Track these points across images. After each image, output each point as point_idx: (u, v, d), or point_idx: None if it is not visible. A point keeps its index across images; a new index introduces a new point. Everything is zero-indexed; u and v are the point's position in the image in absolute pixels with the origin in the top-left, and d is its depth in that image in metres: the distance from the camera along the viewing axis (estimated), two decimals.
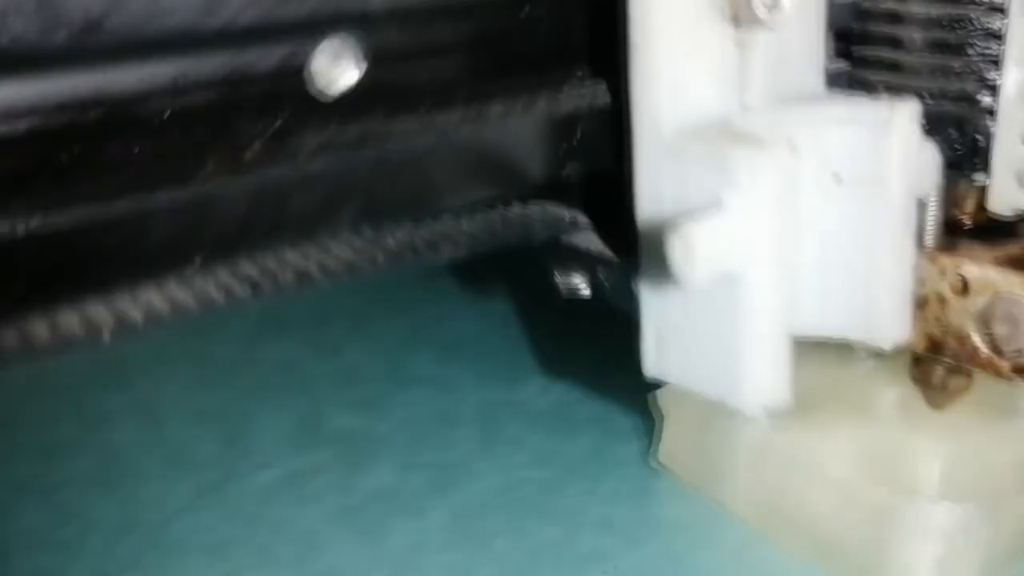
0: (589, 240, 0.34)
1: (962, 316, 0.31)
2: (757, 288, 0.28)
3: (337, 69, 0.25)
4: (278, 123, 0.25)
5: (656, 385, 0.39)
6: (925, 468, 0.35)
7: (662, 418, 0.40)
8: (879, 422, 0.36)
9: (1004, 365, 0.31)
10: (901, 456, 0.35)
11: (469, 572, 0.36)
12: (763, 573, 0.35)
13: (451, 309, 0.56)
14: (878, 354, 0.41)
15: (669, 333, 0.30)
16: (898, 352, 0.40)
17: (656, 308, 0.30)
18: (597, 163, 0.31)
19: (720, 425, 0.37)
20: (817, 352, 0.41)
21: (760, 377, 0.29)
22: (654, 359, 0.31)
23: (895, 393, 0.38)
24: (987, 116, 0.31)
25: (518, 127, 0.30)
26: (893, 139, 0.28)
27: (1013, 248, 0.32)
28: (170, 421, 0.47)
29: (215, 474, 0.42)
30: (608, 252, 0.34)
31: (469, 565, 0.36)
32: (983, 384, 0.38)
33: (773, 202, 0.27)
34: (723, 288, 0.28)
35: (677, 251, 0.26)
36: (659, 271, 0.28)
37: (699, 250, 0.26)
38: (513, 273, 0.55)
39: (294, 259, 0.27)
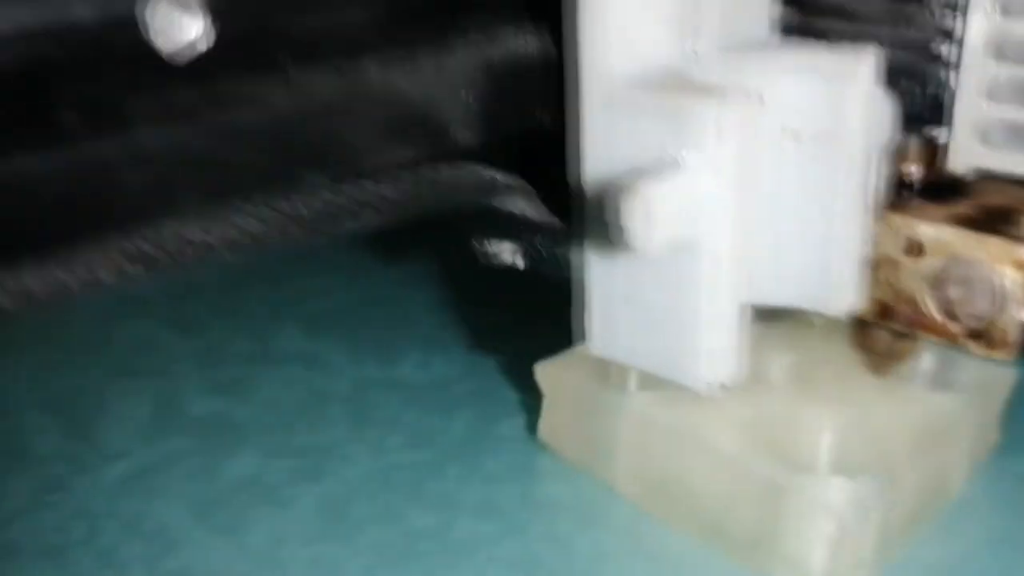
0: (525, 205, 0.31)
1: (913, 279, 0.29)
2: (717, 256, 0.25)
3: (181, 22, 0.22)
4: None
5: (539, 358, 0.37)
6: (816, 440, 0.33)
7: (544, 394, 0.38)
8: (768, 393, 0.35)
9: (956, 330, 0.29)
10: (791, 428, 0.33)
11: (337, 566, 0.33)
12: (650, 555, 0.33)
13: (321, 281, 0.52)
14: (766, 319, 0.40)
15: (617, 306, 0.28)
16: (784, 318, 0.39)
17: (603, 279, 0.28)
18: (534, 120, 0.29)
19: (603, 400, 0.35)
20: None
21: (716, 353, 0.27)
22: (599, 336, 0.29)
23: (785, 361, 0.36)
24: (946, 68, 0.29)
25: (441, 80, 0.27)
26: (855, 91, 0.26)
27: (967, 207, 0.30)
28: (11, 410, 0.43)
29: (59, 469, 0.39)
30: (547, 218, 0.31)
31: (337, 558, 0.33)
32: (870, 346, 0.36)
33: (733, 159, 0.25)
34: (679, 256, 0.25)
35: (635, 215, 0.23)
36: (608, 238, 0.25)
37: (658, 214, 0.23)
38: (389, 241, 0.52)
39: (195, 234, 0.24)
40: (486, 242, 0.31)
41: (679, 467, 0.34)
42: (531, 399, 0.39)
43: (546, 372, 0.37)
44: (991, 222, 0.29)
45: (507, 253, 0.31)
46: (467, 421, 0.40)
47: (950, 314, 0.29)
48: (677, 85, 0.26)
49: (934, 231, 0.29)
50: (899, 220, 0.29)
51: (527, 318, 0.30)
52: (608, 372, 0.36)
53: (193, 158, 0.24)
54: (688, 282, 0.26)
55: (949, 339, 0.29)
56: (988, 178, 0.30)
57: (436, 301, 0.49)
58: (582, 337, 0.29)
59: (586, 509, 0.35)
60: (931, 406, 0.34)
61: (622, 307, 0.28)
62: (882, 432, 0.33)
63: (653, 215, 0.23)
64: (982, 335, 0.28)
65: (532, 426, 0.39)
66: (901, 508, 0.32)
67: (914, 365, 0.37)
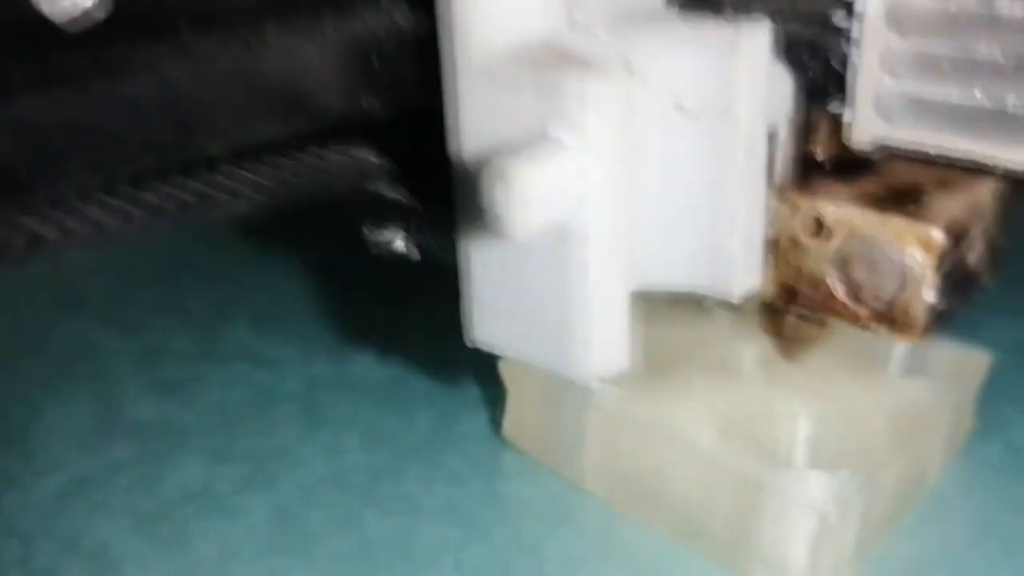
0: (402, 189, 0.29)
1: (817, 260, 0.28)
2: (592, 239, 0.24)
3: None
4: None
5: None
6: (793, 432, 0.32)
7: (507, 389, 0.36)
8: (740, 383, 0.33)
9: (863, 312, 0.28)
10: (766, 420, 0.32)
11: None
12: (622, 556, 0.32)
13: (269, 274, 0.50)
14: (735, 307, 0.38)
15: (494, 294, 0.26)
16: (756, 303, 0.38)
17: (480, 266, 0.26)
18: (405, 96, 0.27)
19: (569, 395, 0.34)
20: (668, 308, 0.38)
21: (596, 343, 0.25)
22: (479, 325, 0.27)
23: (755, 350, 0.35)
24: (844, 39, 0.28)
25: (303, 55, 0.24)
26: (742, 64, 0.25)
27: (871, 185, 0.29)
28: None
29: None
30: (423, 202, 0.29)
31: (291, 572, 0.32)
32: (842, 332, 0.35)
33: (611, 137, 0.23)
34: (552, 240, 0.23)
35: (497, 196, 0.21)
36: (480, 222, 0.23)
37: (523, 194, 0.21)
38: (339, 230, 0.50)
39: (24, 222, 0.21)
40: (374, 231, 0.29)
41: (651, 463, 0.32)
42: (494, 394, 0.37)
43: (509, 366, 0.36)
44: (897, 200, 0.28)
45: (397, 242, 0.29)
46: (427, 419, 0.39)
47: (856, 296, 0.28)
48: (550, 57, 0.24)
49: (838, 210, 0.27)
50: (802, 200, 0.28)
51: None
52: None
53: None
54: (566, 268, 0.24)
55: (855, 322, 0.28)
56: (895, 155, 0.29)
57: (390, 294, 0.47)
58: (467, 329, 0.27)
59: (554, 509, 0.34)
60: (907, 394, 0.33)
61: (501, 296, 0.26)
62: (859, 422, 0.32)
63: (522, 198, 0.21)
64: (889, 318, 0.27)
65: (496, 423, 0.37)
66: (881, 501, 0.31)
67: (887, 350, 0.36)
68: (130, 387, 0.42)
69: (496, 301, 0.26)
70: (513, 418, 0.36)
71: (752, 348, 0.35)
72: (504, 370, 0.36)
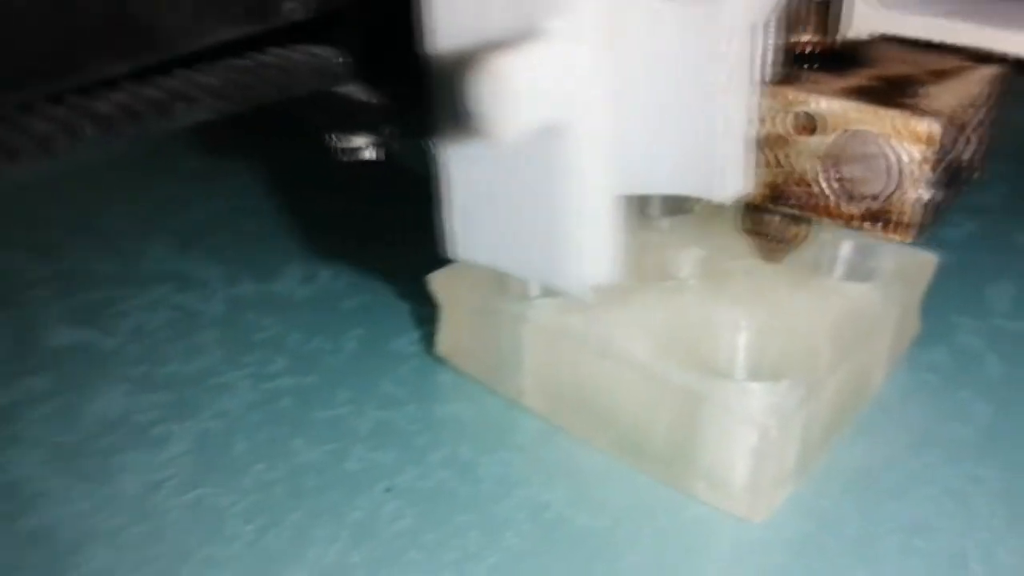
0: (372, 90, 0.27)
1: (807, 158, 0.27)
2: (586, 140, 0.22)
3: None
4: None
5: (434, 267, 0.34)
6: (733, 343, 0.31)
7: (439, 306, 0.35)
8: (679, 293, 0.32)
9: (854, 211, 0.27)
10: (706, 331, 0.31)
11: (218, 512, 0.30)
12: (561, 474, 0.31)
13: (190, 189, 0.47)
14: (674, 212, 0.37)
15: (477, 204, 0.24)
16: (692, 210, 0.37)
17: (460, 173, 0.24)
18: None
19: (504, 309, 0.32)
20: None
21: (587, 251, 0.23)
22: (461, 238, 0.25)
23: (693, 256, 0.34)
24: None
25: None
26: None
27: (862, 78, 0.27)
28: None
29: None
30: (394, 103, 0.27)
31: (218, 503, 0.30)
32: None
33: (602, 26, 0.21)
34: (543, 142, 0.22)
35: (485, 95, 0.19)
36: (461, 124, 0.21)
37: (514, 91, 0.19)
38: (260, 141, 0.48)
39: None
40: (337, 136, 0.27)
41: (589, 378, 0.31)
42: (427, 310, 0.36)
43: (440, 282, 0.34)
44: (889, 93, 0.26)
45: (363, 147, 0.27)
46: (357, 339, 0.37)
47: (846, 194, 0.27)
48: None
49: (827, 104, 0.26)
50: (790, 93, 0.27)
51: (417, 221, 0.27)
52: (508, 279, 0.33)
53: None
54: (556, 172, 0.22)
55: (845, 221, 0.27)
56: (888, 45, 0.27)
57: (313, 208, 0.45)
58: (443, 242, 0.25)
59: (491, 429, 0.33)
60: (851, 298, 0.32)
61: (483, 204, 0.24)
62: (801, 329, 0.31)
63: (509, 95, 0.19)
64: (880, 216, 0.26)
65: (429, 340, 0.36)
66: (823, 411, 0.30)
67: (830, 254, 0.35)
68: (46, 313, 0.40)
69: (478, 211, 0.24)
70: (447, 335, 0.35)
71: (691, 255, 0.34)
72: (435, 285, 0.34)
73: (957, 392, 0.34)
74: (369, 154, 0.28)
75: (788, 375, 0.28)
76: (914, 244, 0.34)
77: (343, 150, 0.28)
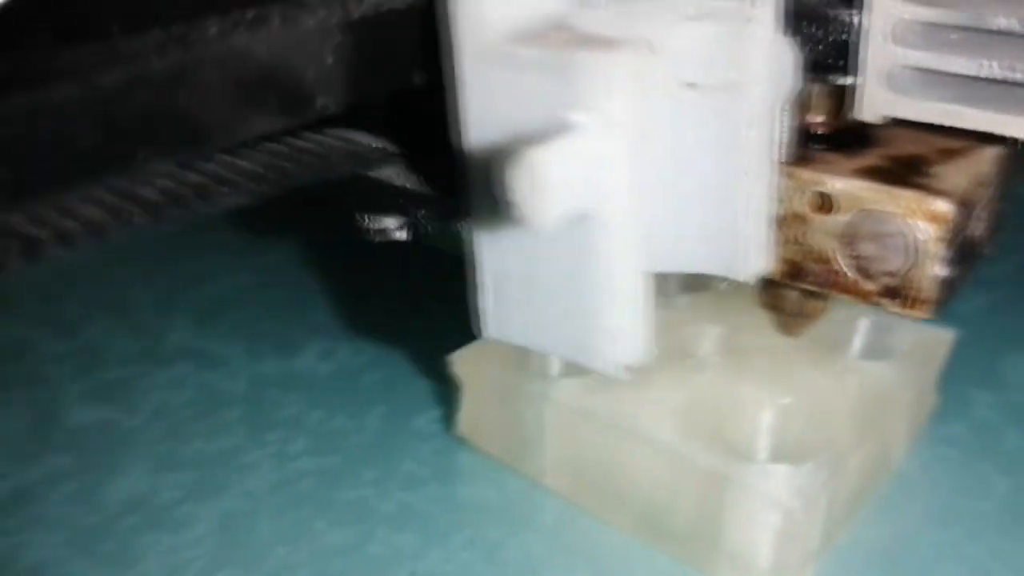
0: (403, 174, 0.28)
1: (824, 236, 0.27)
2: (615, 225, 0.22)
3: None
4: None
5: (454, 345, 0.34)
6: (756, 422, 0.31)
7: (461, 385, 0.35)
8: (699, 372, 0.32)
9: (871, 288, 0.27)
10: (728, 410, 0.31)
11: None
12: (585, 555, 0.31)
13: (212, 265, 0.48)
14: (693, 289, 0.37)
15: (509, 285, 0.25)
16: (709, 287, 0.37)
17: (493, 255, 0.25)
18: (406, 78, 0.25)
19: (526, 389, 0.32)
20: None
21: (621, 331, 0.24)
22: (493, 318, 0.25)
23: (713, 334, 0.34)
24: (852, 11, 0.27)
25: (298, 37, 0.23)
26: (755, 38, 0.24)
27: (874, 158, 0.28)
28: None
29: None
30: (427, 188, 0.28)
31: None
32: None
33: (631, 118, 0.22)
34: (573, 227, 0.22)
35: (523, 185, 0.20)
36: (496, 211, 0.22)
37: (551, 183, 0.20)
38: (284, 219, 0.48)
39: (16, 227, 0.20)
40: (369, 217, 0.28)
41: (611, 458, 0.31)
42: (447, 389, 0.36)
43: (462, 361, 0.34)
44: (901, 173, 0.27)
45: (393, 228, 0.28)
46: (379, 418, 0.37)
47: (863, 272, 0.27)
48: (562, 37, 0.23)
49: (843, 185, 0.27)
50: (806, 174, 0.27)
51: (438, 299, 0.27)
52: (530, 358, 0.33)
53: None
54: (585, 255, 0.23)
55: (863, 298, 0.27)
56: (896, 125, 0.28)
57: (335, 283, 0.45)
58: (476, 321, 0.26)
59: (514, 509, 0.33)
60: (870, 376, 0.32)
61: (516, 285, 0.25)
62: (822, 409, 0.31)
63: (544, 185, 0.20)
64: (897, 293, 0.27)
65: (450, 419, 0.36)
66: (846, 490, 0.30)
67: (847, 332, 0.35)
68: (67, 391, 0.40)
69: (511, 292, 0.25)
70: (468, 415, 0.35)
71: (711, 332, 0.34)
72: (457, 364, 0.35)
73: (976, 466, 0.34)
74: (399, 235, 0.29)
75: (811, 456, 0.28)
76: (929, 319, 0.35)
77: (374, 231, 0.28)
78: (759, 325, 0.34)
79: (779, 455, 0.30)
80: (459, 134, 0.24)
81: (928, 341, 0.34)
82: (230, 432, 0.37)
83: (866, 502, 0.32)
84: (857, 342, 0.34)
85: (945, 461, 0.35)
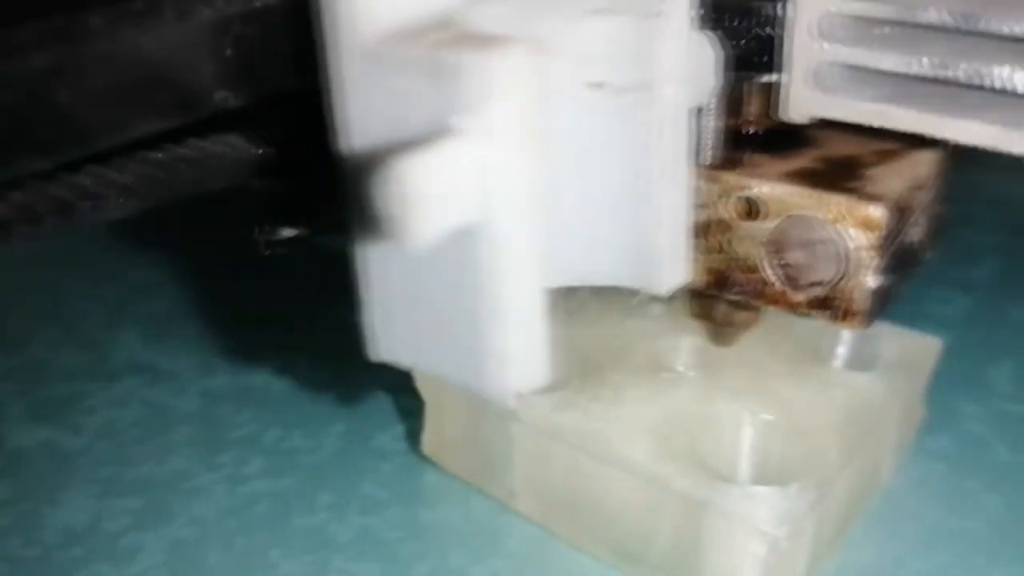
0: (291, 183, 0.26)
1: (750, 244, 0.26)
2: (502, 241, 0.20)
3: None
4: None
5: None
6: (736, 440, 0.29)
7: (425, 401, 0.33)
8: (676, 387, 0.31)
9: (799, 299, 0.26)
10: (705, 427, 0.29)
11: None
12: None
13: (163, 276, 0.46)
14: (665, 299, 0.36)
15: (396, 304, 0.23)
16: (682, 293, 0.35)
17: (378, 271, 0.23)
18: (291, 83, 0.23)
19: (491, 406, 0.31)
20: (595, 304, 0.35)
21: (512, 354, 0.22)
22: (382, 338, 0.23)
23: (690, 346, 0.33)
24: (776, 5, 0.25)
25: (174, 39, 0.21)
26: (666, 34, 0.22)
27: (807, 160, 0.27)
28: None
29: None
30: (313, 199, 0.26)
31: None
32: (779, 324, 0.33)
33: (519, 123, 0.20)
34: (458, 242, 0.20)
35: (391, 199, 0.18)
36: (373, 226, 0.20)
37: (423, 195, 0.18)
38: (237, 223, 0.46)
39: None
40: (263, 229, 0.26)
41: (582, 481, 0.29)
42: (412, 404, 0.34)
43: (427, 377, 0.32)
44: (834, 176, 0.25)
45: (288, 240, 0.26)
46: (337, 436, 0.35)
47: (792, 281, 0.26)
48: (446, 35, 0.21)
49: (770, 189, 0.25)
50: (731, 178, 0.26)
51: None
52: None
53: None
54: (472, 272, 0.21)
55: (793, 308, 0.26)
56: (831, 126, 0.26)
57: (293, 292, 0.43)
58: (367, 342, 0.24)
59: (482, 535, 0.31)
60: (856, 388, 0.31)
61: (405, 305, 0.23)
62: (806, 425, 0.29)
63: (415, 198, 0.18)
64: (828, 304, 0.25)
65: (414, 436, 0.34)
66: (834, 512, 0.28)
67: (830, 341, 0.33)
68: (6, 410, 0.38)
69: (399, 311, 0.23)
70: (433, 433, 0.33)
71: (687, 344, 0.32)
72: (421, 380, 0.33)
73: (965, 482, 0.33)
74: (290, 247, 0.27)
75: (796, 477, 0.27)
76: (909, 324, 0.33)
77: (267, 243, 0.26)
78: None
79: (762, 476, 0.28)
80: (339, 141, 0.22)
81: (915, 350, 0.33)
82: (179, 453, 0.35)
83: (854, 522, 0.30)
84: (841, 352, 0.32)
85: (933, 477, 0.33)
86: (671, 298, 0.35)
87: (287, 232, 0.27)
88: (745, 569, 0.26)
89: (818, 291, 0.25)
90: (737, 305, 0.29)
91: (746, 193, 0.26)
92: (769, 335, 0.32)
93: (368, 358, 0.23)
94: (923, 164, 0.27)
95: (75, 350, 0.41)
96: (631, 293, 0.35)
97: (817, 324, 0.32)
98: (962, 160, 0.27)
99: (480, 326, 0.21)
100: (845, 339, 0.32)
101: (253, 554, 0.30)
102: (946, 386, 0.35)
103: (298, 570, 0.30)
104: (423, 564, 0.30)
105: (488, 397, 0.23)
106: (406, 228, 0.18)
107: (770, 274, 0.26)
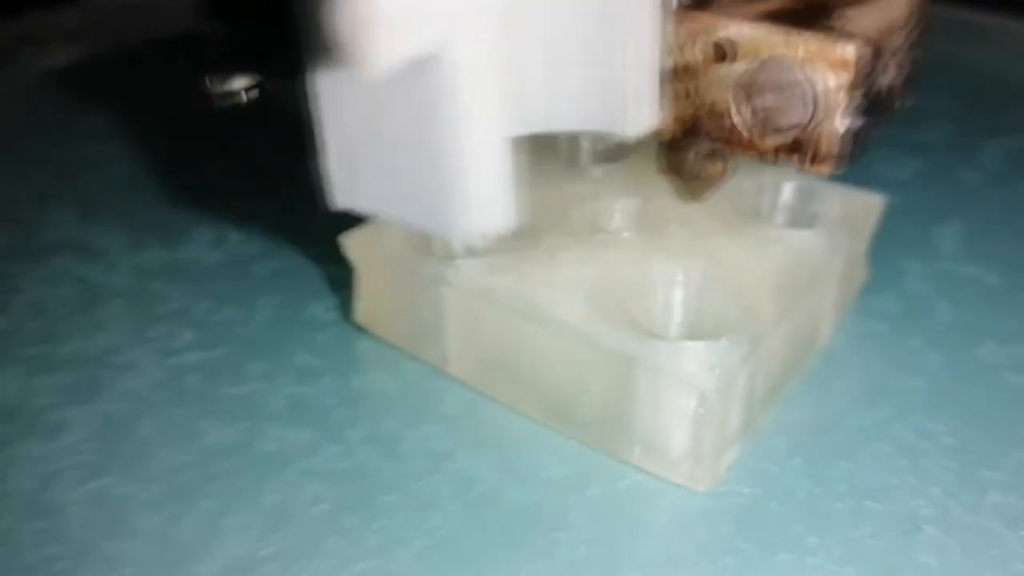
0: (239, 27, 0.24)
1: (720, 88, 0.25)
2: (468, 73, 0.20)
3: None
4: None
5: (349, 226, 0.31)
6: (669, 299, 0.29)
7: (356, 269, 0.32)
8: (611, 247, 0.30)
9: (770, 143, 0.25)
10: (640, 287, 0.29)
11: (122, 502, 0.27)
12: (488, 445, 0.29)
13: (88, 151, 0.44)
14: (608, 159, 0.35)
15: (355, 147, 0.22)
16: (627, 157, 0.34)
17: (335, 113, 0.22)
18: None
19: (425, 272, 0.30)
20: (533, 166, 0.34)
21: (474, 195, 0.21)
22: (341, 184, 0.23)
23: (627, 207, 0.32)
24: None
25: None
26: None
27: (777, 1, 0.25)
28: None
29: None
30: (262, 42, 0.24)
31: (122, 493, 0.28)
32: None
33: None
34: (420, 75, 0.19)
35: (345, 22, 0.17)
36: (329, 58, 0.19)
37: (381, 16, 0.17)
38: (165, 96, 0.44)
39: None
40: (212, 79, 0.25)
41: (516, 343, 0.29)
42: (342, 275, 0.33)
43: (356, 243, 0.32)
44: (807, 17, 0.25)
45: (240, 90, 0.25)
46: (270, 308, 0.34)
47: (761, 126, 0.25)
48: None
49: (739, 30, 0.24)
50: (701, 20, 0.25)
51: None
52: (430, 240, 0.31)
53: None
54: (435, 107, 0.20)
55: (763, 155, 0.25)
56: None
57: (221, 165, 0.42)
58: (325, 190, 0.23)
59: (415, 400, 0.30)
60: (794, 246, 0.30)
61: (363, 148, 0.22)
62: (741, 282, 0.29)
63: (373, 19, 0.17)
64: (798, 148, 0.25)
65: (347, 306, 0.34)
66: (769, 369, 0.28)
67: (770, 199, 0.33)
68: None
69: (357, 155, 0.22)
70: (365, 301, 0.33)
71: (624, 206, 0.32)
72: (351, 246, 0.32)
73: (907, 341, 0.33)
74: (247, 96, 0.25)
75: (728, 332, 0.26)
76: (859, 186, 0.33)
77: (219, 94, 0.25)
78: (676, 197, 0.31)
79: (694, 334, 0.28)
80: None
81: (857, 208, 0.32)
82: (110, 329, 0.34)
83: (791, 382, 0.30)
84: (781, 210, 0.32)
85: (875, 336, 0.33)
86: (612, 160, 0.34)
87: (238, 81, 0.25)
88: (676, 424, 0.26)
89: (789, 135, 0.25)
90: (707, 157, 0.28)
91: (716, 35, 0.25)
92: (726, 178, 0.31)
93: (322, 209, 0.22)
94: (898, 5, 0.26)
95: (1, 230, 0.40)
96: (570, 156, 0.35)
97: (759, 183, 0.32)
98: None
99: (443, 166, 0.21)
100: (785, 196, 0.32)
101: (184, 424, 0.30)
102: (892, 246, 0.35)
103: (230, 438, 0.29)
104: (357, 430, 0.29)
105: (452, 240, 0.22)
106: (363, 54, 0.17)
107: (740, 119, 0.25)
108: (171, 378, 0.32)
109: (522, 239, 0.30)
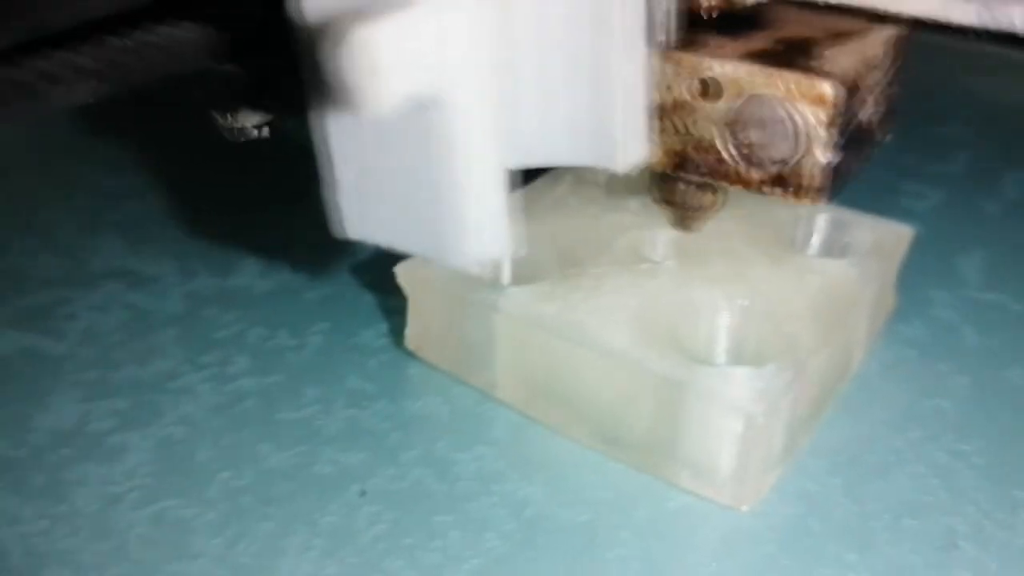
0: (252, 65, 0.26)
1: (709, 124, 0.26)
2: (461, 109, 0.21)
3: None
4: None
5: (400, 255, 0.32)
6: (713, 326, 0.30)
7: (407, 297, 0.33)
8: (654, 275, 0.31)
9: (755, 176, 0.26)
10: (684, 314, 0.30)
11: (185, 524, 0.28)
12: (537, 467, 0.30)
13: (140, 179, 0.45)
14: (643, 192, 0.36)
15: (358, 178, 0.23)
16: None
17: (342, 147, 0.23)
18: None
19: (474, 299, 0.31)
20: (575, 197, 0.36)
21: (472, 224, 0.23)
22: (349, 216, 0.24)
23: (669, 236, 0.33)
24: None
25: None
26: None
27: (760, 40, 0.27)
28: None
29: None
30: (275, 80, 0.26)
31: (183, 515, 0.29)
32: (755, 215, 0.33)
33: None
34: (420, 114, 0.21)
35: (346, 65, 0.18)
36: (333, 98, 0.20)
37: (384, 63, 0.18)
38: (192, 126, 0.46)
39: None
40: (226, 116, 0.26)
41: (563, 368, 0.30)
42: (394, 301, 0.34)
43: (408, 272, 0.33)
44: (788, 55, 0.26)
45: (252, 125, 0.26)
46: (322, 334, 0.36)
47: (749, 159, 0.26)
48: None
49: (727, 68, 0.26)
50: (690, 58, 0.26)
51: None
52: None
53: None
54: (434, 143, 0.21)
55: (748, 186, 0.27)
56: (787, 4, 0.27)
57: (271, 194, 0.43)
58: (334, 221, 0.24)
59: (465, 423, 0.32)
60: (829, 275, 0.31)
61: (367, 179, 0.23)
62: (782, 310, 0.30)
63: (379, 65, 0.18)
64: (784, 181, 0.26)
65: (397, 332, 0.35)
66: (809, 393, 0.29)
67: (805, 230, 0.34)
68: None
69: (361, 185, 0.23)
70: (415, 327, 0.34)
71: (665, 236, 0.33)
72: (403, 276, 0.33)
73: (935, 366, 0.34)
74: (259, 133, 0.27)
75: (772, 360, 0.27)
76: (887, 215, 0.34)
77: (232, 130, 0.26)
78: (715, 227, 0.32)
79: (738, 360, 0.29)
80: (294, 11, 0.21)
81: (887, 238, 0.33)
82: (165, 355, 0.35)
83: (828, 406, 0.31)
84: (815, 240, 0.33)
85: (905, 362, 0.34)
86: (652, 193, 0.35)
87: (252, 117, 0.26)
88: (723, 446, 0.27)
89: (775, 168, 0.26)
90: (700, 188, 0.29)
91: (701, 72, 0.26)
92: (746, 226, 0.33)
93: (336, 237, 0.23)
94: (876, 44, 0.27)
95: (52, 257, 0.41)
96: (609, 189, 0.36)
97: (794, 214, 0.33)
98: (934, 57, 0.27)
99: (440, 197, 0.22)
100: (819, 228, 0.33)
101: (242, 449, 0.31)
102: (918, 276, 0.36)
103: (288, 462, 0.30)
104: (410, 452, 0.30)
105: (449, 266, 0.23)
106: (365, 97, 0.18)
107: (728, 153, 0.26)
108: (227, 403, 0.33)
109: (567, 267, 0.31)
